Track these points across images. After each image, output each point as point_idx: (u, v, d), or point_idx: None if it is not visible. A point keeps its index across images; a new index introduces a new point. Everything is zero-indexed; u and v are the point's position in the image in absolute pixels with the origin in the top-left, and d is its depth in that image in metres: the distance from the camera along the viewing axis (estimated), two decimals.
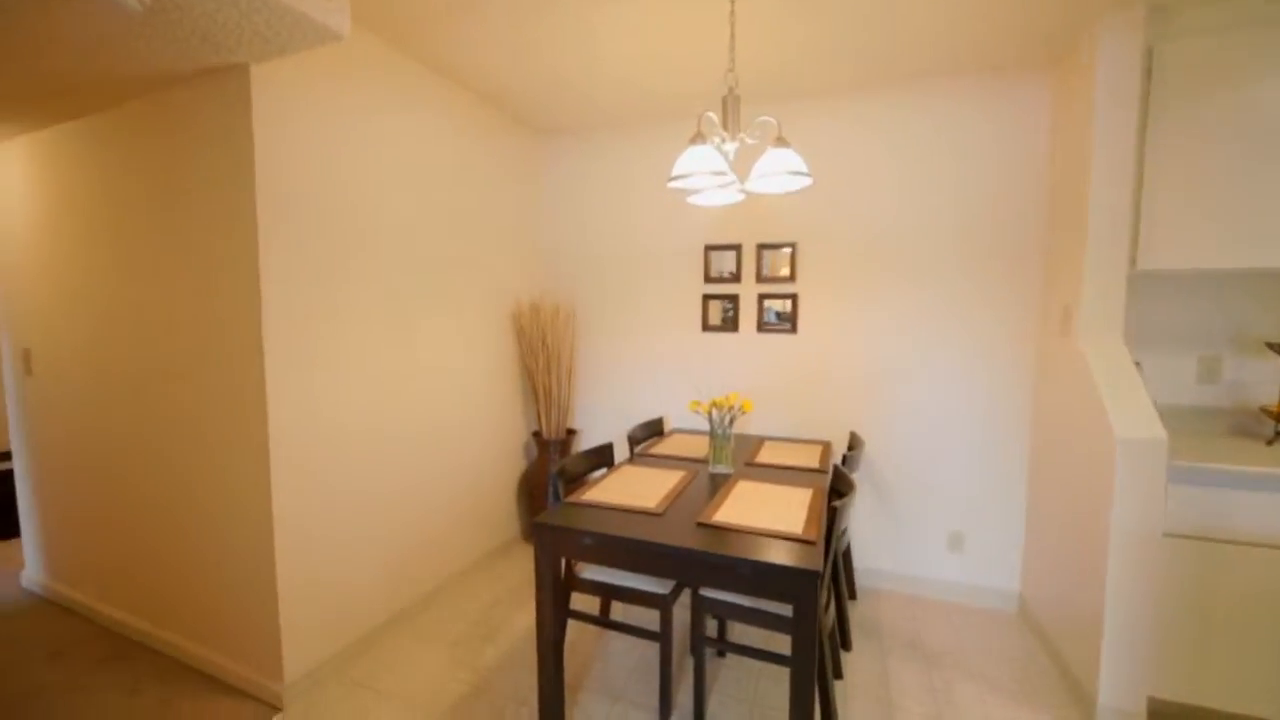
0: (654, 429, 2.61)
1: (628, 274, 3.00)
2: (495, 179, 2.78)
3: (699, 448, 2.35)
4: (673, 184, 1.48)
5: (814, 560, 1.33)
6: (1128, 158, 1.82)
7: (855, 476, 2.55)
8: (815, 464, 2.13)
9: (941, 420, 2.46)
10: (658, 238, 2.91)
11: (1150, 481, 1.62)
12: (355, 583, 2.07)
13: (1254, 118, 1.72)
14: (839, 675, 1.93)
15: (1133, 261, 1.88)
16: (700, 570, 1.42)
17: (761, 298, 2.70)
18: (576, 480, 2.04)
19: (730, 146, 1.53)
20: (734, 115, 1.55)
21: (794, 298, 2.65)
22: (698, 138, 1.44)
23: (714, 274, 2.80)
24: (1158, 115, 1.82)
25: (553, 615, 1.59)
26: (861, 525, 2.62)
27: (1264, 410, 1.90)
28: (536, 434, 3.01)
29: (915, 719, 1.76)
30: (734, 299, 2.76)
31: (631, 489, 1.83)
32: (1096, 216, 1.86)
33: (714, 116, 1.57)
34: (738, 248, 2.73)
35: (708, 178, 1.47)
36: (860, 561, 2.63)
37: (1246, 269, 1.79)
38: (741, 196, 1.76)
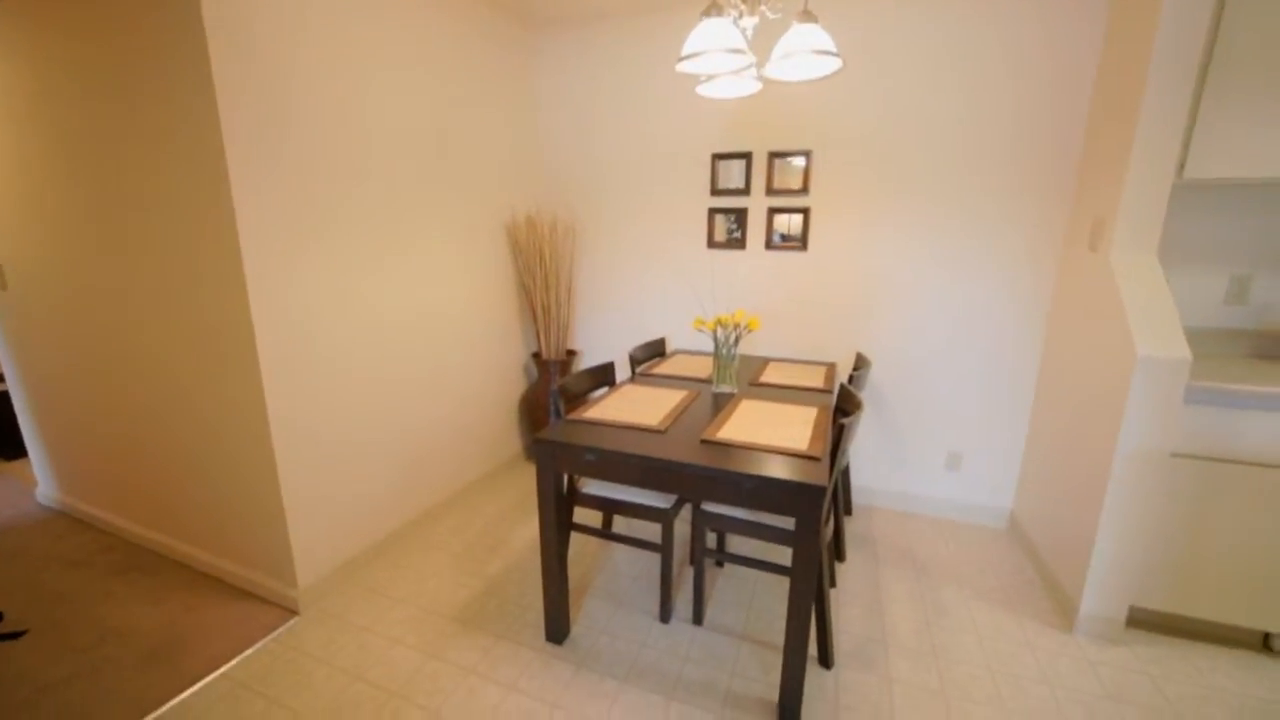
0: (656, 349, 2.55)
1: (630, 186, 2.81)
2: (487, 78, 2.53)
3: (702, 368, 2.30)
4: (682, 65, 1.31)
5: (819, 476, 1.31)
6: (1194, 51, 1.61)
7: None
8: (820, 384, 2.09)
9: (951, 341, 2.39)
10: (662, 145, 2.70)
11: (1166, 401, 1.58)
12: (363, 493, 2.10)
13: None
14: (833, 584, 2.01)
15: (1181, 169, 1.73)
16: (703, 486, 1.41)
17: (771, 212, 2.54)
18: (578, 399, 2.01)
19: (749, 21, 1.34)
20: None
21: (806, 212, 2.49)
22: (712, 9, 1.25)
23: (721, 186, 2.61)
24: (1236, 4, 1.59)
25: (555, 529, 1.61)
26: (860, 444, 2.64)
27: None
28: (536, 355, 2.96)
29: (904, 622, 1.84)
30: (742, 213, 2.60)
31: (634, 407, 1.80)
32: (1148, 118, 1.68)
33: None
34: (748, 156, 2.53)
35: (723, 58, 1.29)
36: (857, 479, 2.68)
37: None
38: (758, 85, 1.57)
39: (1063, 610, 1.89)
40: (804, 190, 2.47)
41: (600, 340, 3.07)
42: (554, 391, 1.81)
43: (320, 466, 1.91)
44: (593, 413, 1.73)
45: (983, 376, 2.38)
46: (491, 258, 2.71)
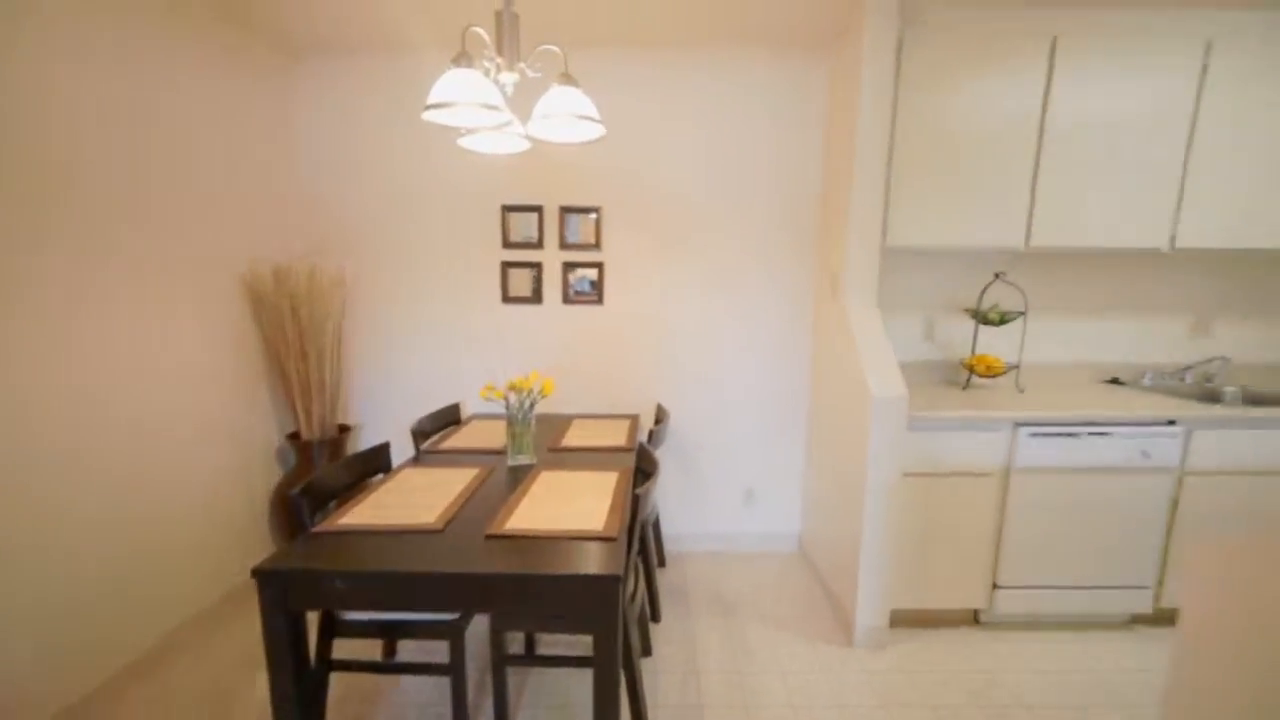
0: (447, 418, 2.26)
1: (412, 235, 2.51)
2: (230, 111, 2.02)
3: (499, 435, 2.08)
4: (429, 114, 1.15)
5: (614, 561, 1.21)
6: (883, 143, 2.02)
7: (661, 451, 2.58)
8: (623, 442, 2.04)
9: (737, 385, 2.59)
10: (448, 192, 2.47)
11: (896, 431, 1.88)
12: (16, 656, 1.37)
13: (953, 117, 2.04)
14: (648, 652, 1.93)
15: (884, 236, 2.13)
16: (487, 594, 1.20)
17: (567, 266, 2.49)
18: (338, 496, 1.63)
19: (508, 77, 1.24)
20: (512, 37, 1.26)
21: (600, 266, 2.50)
22: (461, 58, 1.12)
23: (515, 238, 2.49)
24: (903, 105, 2.05)
25: (295, 687, 1.21)
26: (669, 493, 2.68)
27: (962, 362, 2.36)
28: (293, 435, 2.40)
29: (717, 678, 1.83)
30: (537, 267, 2.50)
31: (409, 500, 1.50)
32: (857, 197, 2.05)
33: (483, 33, 1.25)
34: (539, 210, 2.46)
35: (478, 112, 1.17)
36: (669, 527, 2.70)
37: (955, 247, 2.15)
38: (526, 144, 1.49)
39: (844, 625, 2.09)
40: (596, 245, 2.47)
41: (383, 411, 2.64)
42: (295, 496, 1.41)
43: None
44: (350, 517, 1.39)
45: (767, 416, 2.62)
46: (223, 317, 2.13)
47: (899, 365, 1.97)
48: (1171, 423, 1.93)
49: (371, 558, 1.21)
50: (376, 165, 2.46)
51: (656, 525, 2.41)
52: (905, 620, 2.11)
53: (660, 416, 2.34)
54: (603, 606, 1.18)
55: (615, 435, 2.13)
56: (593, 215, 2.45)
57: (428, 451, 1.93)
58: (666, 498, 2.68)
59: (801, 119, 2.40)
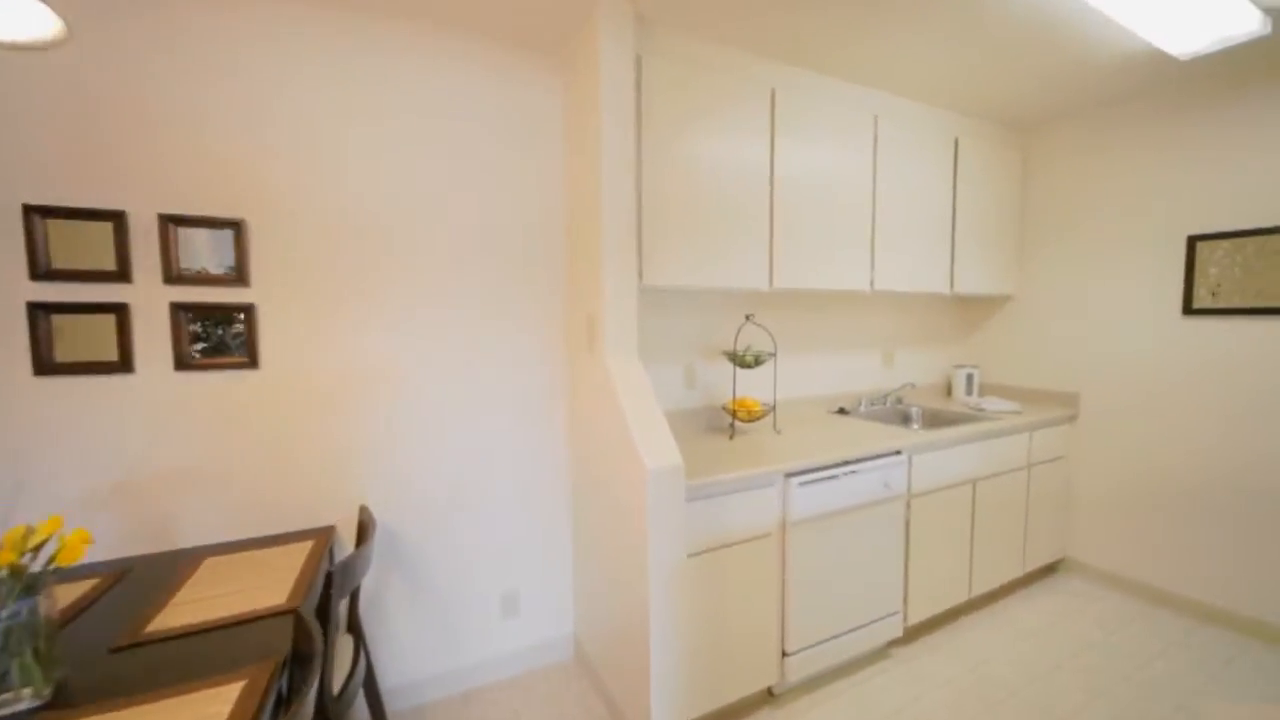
0: None
1: None
2: None
3: None
4: None
5: None
6: (630, 173, 1.73)
7: (375, 575, 1.78)
8: (282, 598, 1.23)
9: (478, 464, 1.98)
10: None
11: (674, 507, 1.53)
12: None
13: (702, 157, 1.91)
14: None
15: (640, 277, 1.84)
16: None
17: (178, 309, 1.55)
18: None
19: None
20: None
21: (249, 311, 1.62)
22: None
23: (62, 264, 1.44)
24: (650, 137, 1.81)
25: None
26: (396, 631, 1.87)
27: (724, 408, 2.23)
28: None
29: None
30: (118, 311, 1.49)
31: None
32: (610, 230, 1.71)
33: None
34: (119, 217, 1.48)
35: None
36: (392, 679, 1.88)
37: (710, 288, 1.99)
38: None
39: None
40: (240, 279, 1.60)
41: None
42: None
43: None
44: None
45: (527, 497, 2.06)
46: None
47: (664, 415, 1.67)
48: (898, 452, 2.06)
49: None
50: None
51: (370, 681, 1.60)
52: (709, 718, 1.76)
53: (364, 529, 1.58)
54: None
55: (273, 582, 1.29)
56: (228, 232, 1.58)
57: None
58: (391, 638, 1.86)
59: (541, 142, 2.00)
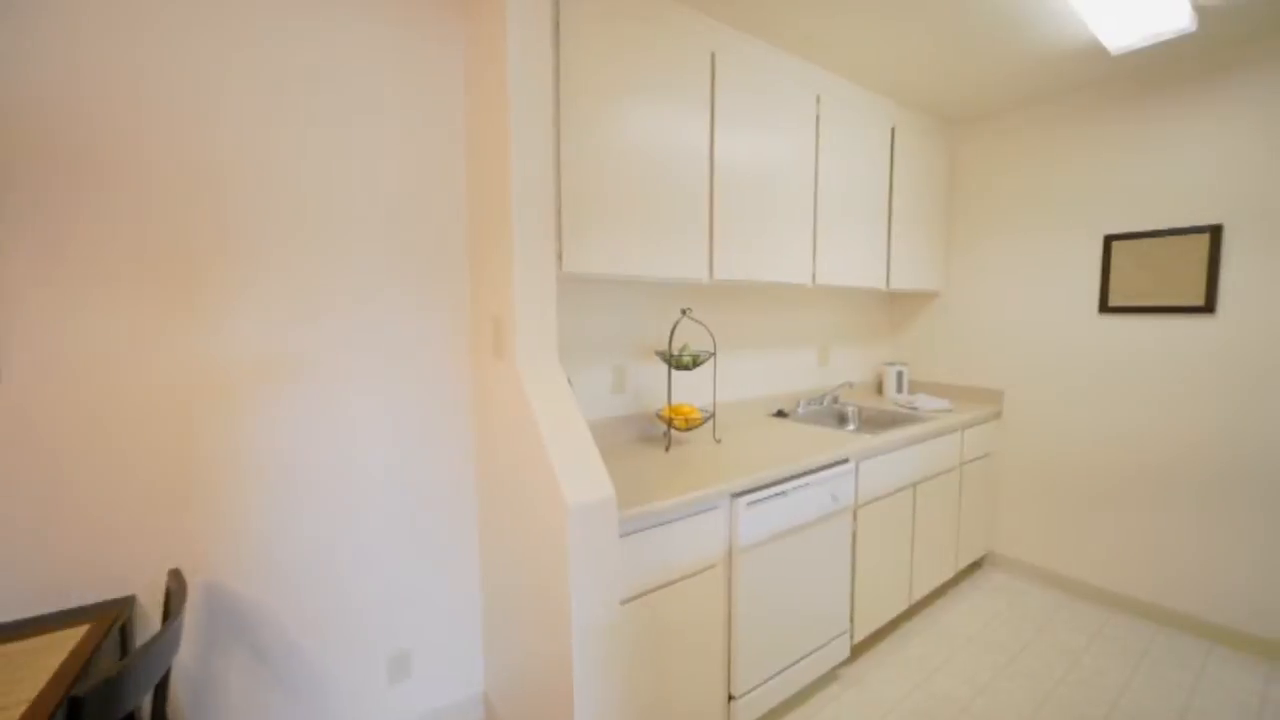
0: None
1: None
2: None
3: None
4: None
5: None
6: (548, 141, 1.39)
7: (196, 665, 1.33)
8: None
9: (356, 503, 1.56)
10: None
11: (604, 548, 1.23)
12: None
13: (631, 133, 1.62)
14: None
15: (560, 262, 1.52)
16: None
17: None
18: None
19: None
20: None
21: None
22: None
23: None
24: (569, 94, 1.49)
25: None
26: None
27: (658, 415, 1.96)
28: None
29: None
30: None
31: None
32: (521, 205, 1.37)
33: None
34: None
35: None
36: None
37: (643, 277, 1.71)
38: None
39: None
40: None
41: None
42: None
43: None
44: None
45: (418, 540, 1.66)
46: None
47: (589, 427, 1.37)
48: (846, 460, 1.90)
49: None
50: None
51: None
52: None
53: (173, 597, 1.13)
54: None
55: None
56: None
57: None
58: None
59: (437, 106, 1.61)
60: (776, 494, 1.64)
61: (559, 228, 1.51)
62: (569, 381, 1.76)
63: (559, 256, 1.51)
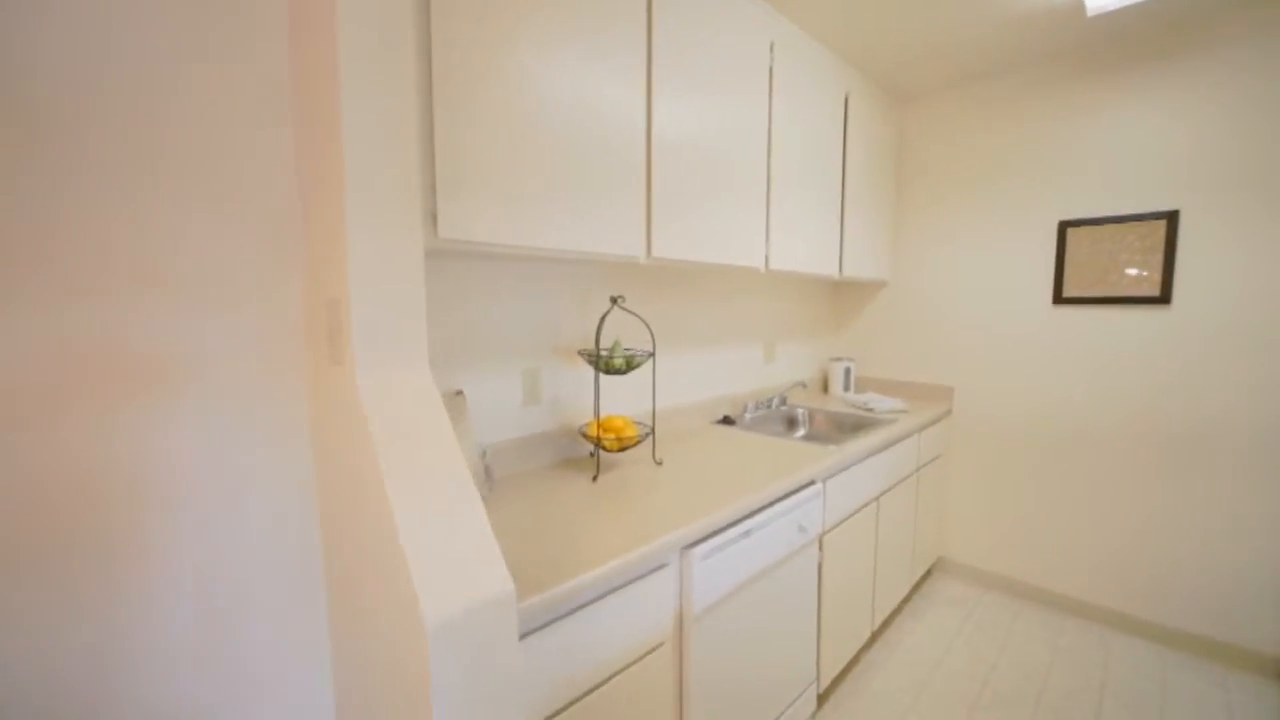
0: None
1: None
2: None
3: None
4: None
5: None
6: (405, 53, 0.91)
7: None
8: None
9: (162, 576, 0.99)
10: None
11: (489, 676, 0.79)
12: None
13: (540, 60, 1.17)
14: None
15: (435, 225, 1.04)
16: None
17: None
18: None
19: None
20: None
21: None
22: None
23: None
24: (444, 15, 1.01)
25: None
26: None
27: (583, 432, 1.53)
28: None
29: None
30: None
31: None
32: (356, 148, 0.87)
33: None
34: None
35: None
36: None
37: (554, 250, 1.26)
38: None
39: None
40: None
41: None
42: None
43: None
44: None
45: (222, 640, 1.12)
46: None
47: (487, 451, 0.92)
48: (812, 482, 1.57)
49: None
50: None
51: None
52: None
53: None
54: None
55: None
56: None
57: None
58: None
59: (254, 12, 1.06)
60: (738, 535, 1.26)
61: (433, 177, 1.03)
62: (459, 394, 1.28)
63: (432, 216, 1.03)
